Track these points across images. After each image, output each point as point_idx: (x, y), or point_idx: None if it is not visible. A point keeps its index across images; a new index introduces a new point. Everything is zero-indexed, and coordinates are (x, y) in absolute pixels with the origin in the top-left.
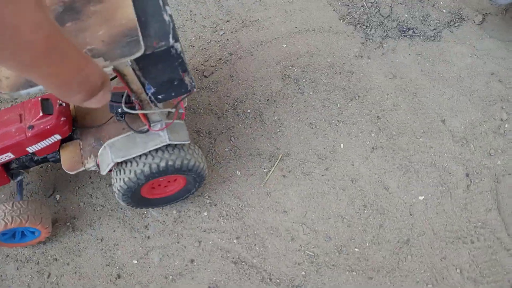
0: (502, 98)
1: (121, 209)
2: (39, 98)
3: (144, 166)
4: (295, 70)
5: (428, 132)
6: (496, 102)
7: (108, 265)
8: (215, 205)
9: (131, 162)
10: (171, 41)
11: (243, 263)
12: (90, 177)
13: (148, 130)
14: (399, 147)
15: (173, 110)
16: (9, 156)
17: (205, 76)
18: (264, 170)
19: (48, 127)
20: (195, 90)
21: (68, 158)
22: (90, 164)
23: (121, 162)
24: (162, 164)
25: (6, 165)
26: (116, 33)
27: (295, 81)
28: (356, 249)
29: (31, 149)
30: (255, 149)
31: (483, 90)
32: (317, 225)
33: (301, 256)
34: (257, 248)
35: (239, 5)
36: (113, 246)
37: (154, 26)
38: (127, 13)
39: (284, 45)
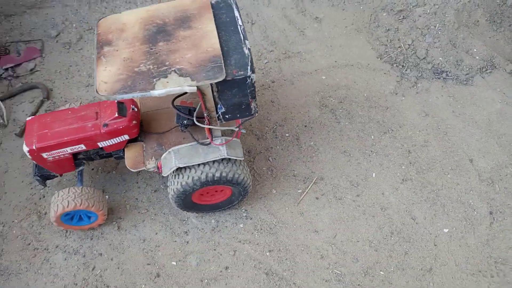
0: None
1: (164, 214)
2: (116, 101)
3: (201, 174)
4: (333, 100)
5: (456, 170)
6: None
7: (148, 264)
8: (251, 218)
9: (190, 169)
10: (249, 71)
11: (274, 275)
12: (137, 182)
13: (210, 143)
14: (427, 181)
15: (236, 129)
16: (81, 147)
17: None
18: (299, 191)
19: (121, 127)
20: (257, 114)
21: (132, 157)
22: (150, 165)
23: (181, 168)
24: (217, 174)
25: (75, 155)
26: (202, 58)
27: (332, 111)
28: (381, 272)
29: (101, 144)
30: (291, 170)
31: (511, 135)
32: (346, 247)
33: (329, 274)
34: (288, 262)
35: (283, 37)
36: (155, 247)
37: (235, 56)
38: (212, 42)
39: (324, 77)
